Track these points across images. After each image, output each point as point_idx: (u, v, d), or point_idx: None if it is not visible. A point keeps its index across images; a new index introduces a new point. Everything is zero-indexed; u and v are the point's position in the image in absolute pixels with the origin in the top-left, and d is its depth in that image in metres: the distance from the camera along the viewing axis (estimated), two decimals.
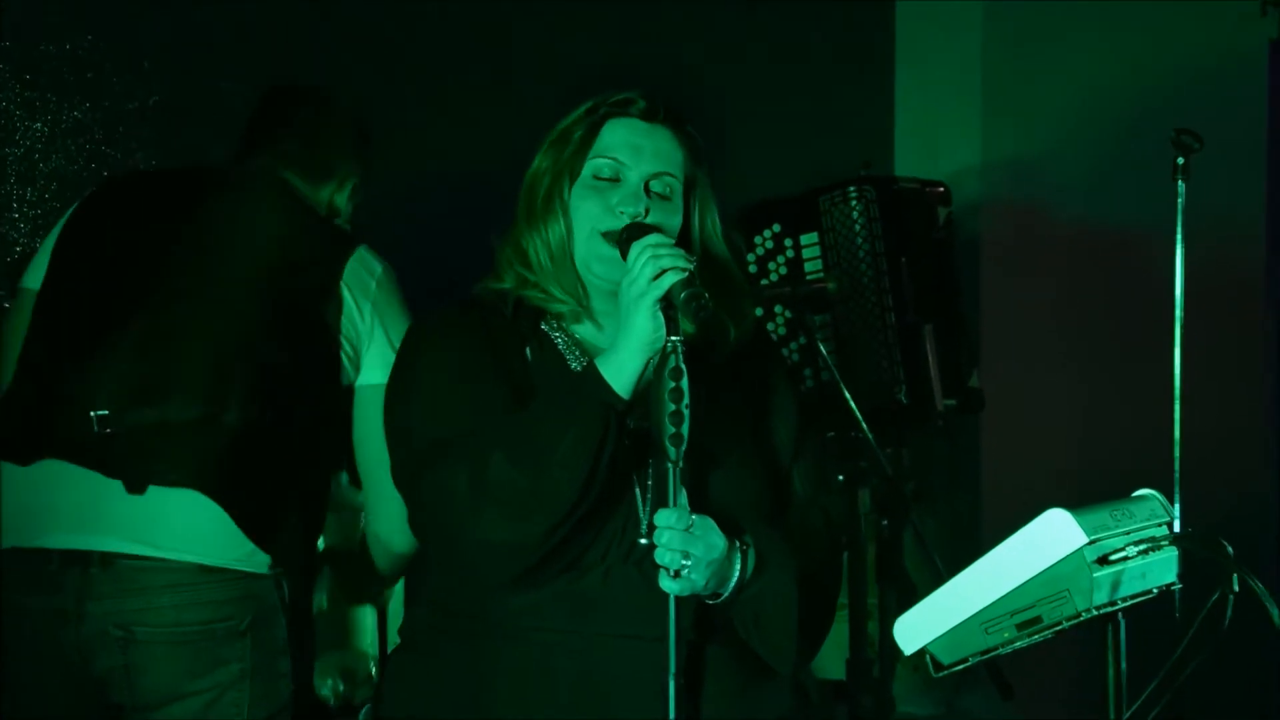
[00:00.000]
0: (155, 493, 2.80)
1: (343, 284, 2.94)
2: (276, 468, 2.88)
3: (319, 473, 2.99)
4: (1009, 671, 3.69)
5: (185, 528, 2.80)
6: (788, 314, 3.82)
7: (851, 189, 3.74)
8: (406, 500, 2.49)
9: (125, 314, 2.85)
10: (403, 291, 3.02)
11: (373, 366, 2.95)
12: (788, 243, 3.83)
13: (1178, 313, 3.55)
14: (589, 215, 2.54)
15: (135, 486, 2.80)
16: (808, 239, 3.80)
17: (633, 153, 2.55)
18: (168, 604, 2.79)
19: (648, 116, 2.57)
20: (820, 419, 3.75)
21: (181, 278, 2.87)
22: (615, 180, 2.55)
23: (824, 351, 3.64)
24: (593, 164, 2.56)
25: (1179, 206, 3.55)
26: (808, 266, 3.80)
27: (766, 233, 3.85)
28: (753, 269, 3.85)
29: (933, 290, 3.78)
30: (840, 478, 3.77)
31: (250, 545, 2.83)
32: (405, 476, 2.48)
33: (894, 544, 3.89)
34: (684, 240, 2.56)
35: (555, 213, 2.55)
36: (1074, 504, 2.35)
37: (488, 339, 2.53)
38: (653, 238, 2.43)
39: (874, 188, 3.74)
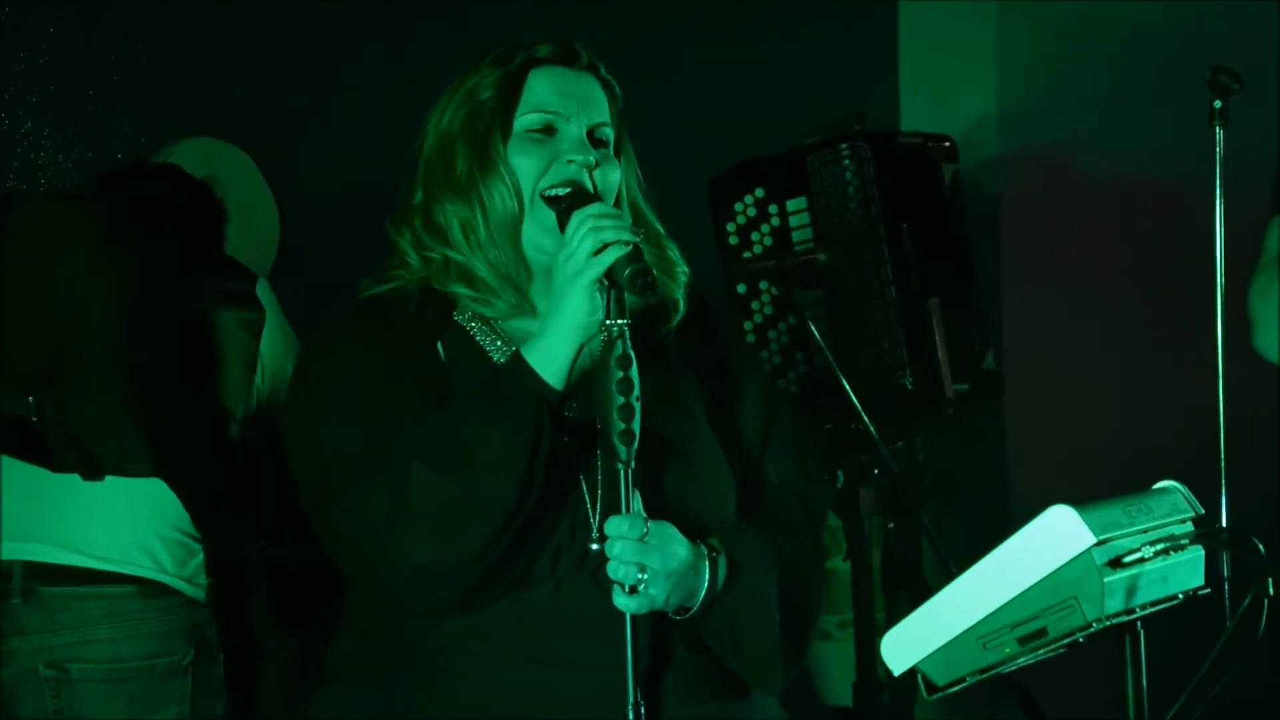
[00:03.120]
0: (93, 494, 2.85)
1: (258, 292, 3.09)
2: (228, 460, 2.96)
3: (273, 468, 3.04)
4: (1037, 688, 3.71)
5: (128, 534, 2.84)
6: (774, 290, 3.82)
7: (843, 146, 3.74)
8: (319, 531, 2.46)
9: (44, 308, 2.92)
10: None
11: None
12: (773, 209, 3.83)
13: (1219, 279, 3.55)
14: (528, 173, 2.52)
15: (92, 473, 2.84)
16: (795, 205, 3.81)
17: (568, 101, 2.53)
18: (106, 636, 2.83)
19: (570, 62, 2.57)
20: (814, 408, 3.77)
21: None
22: (550, 134, 2.54)
23: (816, 333, 3.65)
24: (522, 120, 2.54)
25: (1218, 156, 3.55)
26: (796, 236, 3.81)
27: (748, 198, 3.85)
28: (733, 240, 3.85)
29: (939, 259, 3.79)
30: (840, 473, 3.78)
31: (195, 561, 2.87)
32: (314, 504, 2.45)
33: (904, 549, 3.90)
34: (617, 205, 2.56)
35: (496, 170, 2.51)
36: (1115, 498, 2.36)
37: (391, 339, 2.51)
38: (594, 207, 2.42)
39: (869, 144, 3.74)
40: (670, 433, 2.49)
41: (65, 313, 2.92)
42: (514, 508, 2.34)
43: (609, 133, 2.57)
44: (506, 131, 2.53)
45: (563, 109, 2.54)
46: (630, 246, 2.36)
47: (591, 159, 2.52)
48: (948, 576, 3.57)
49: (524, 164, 2.52)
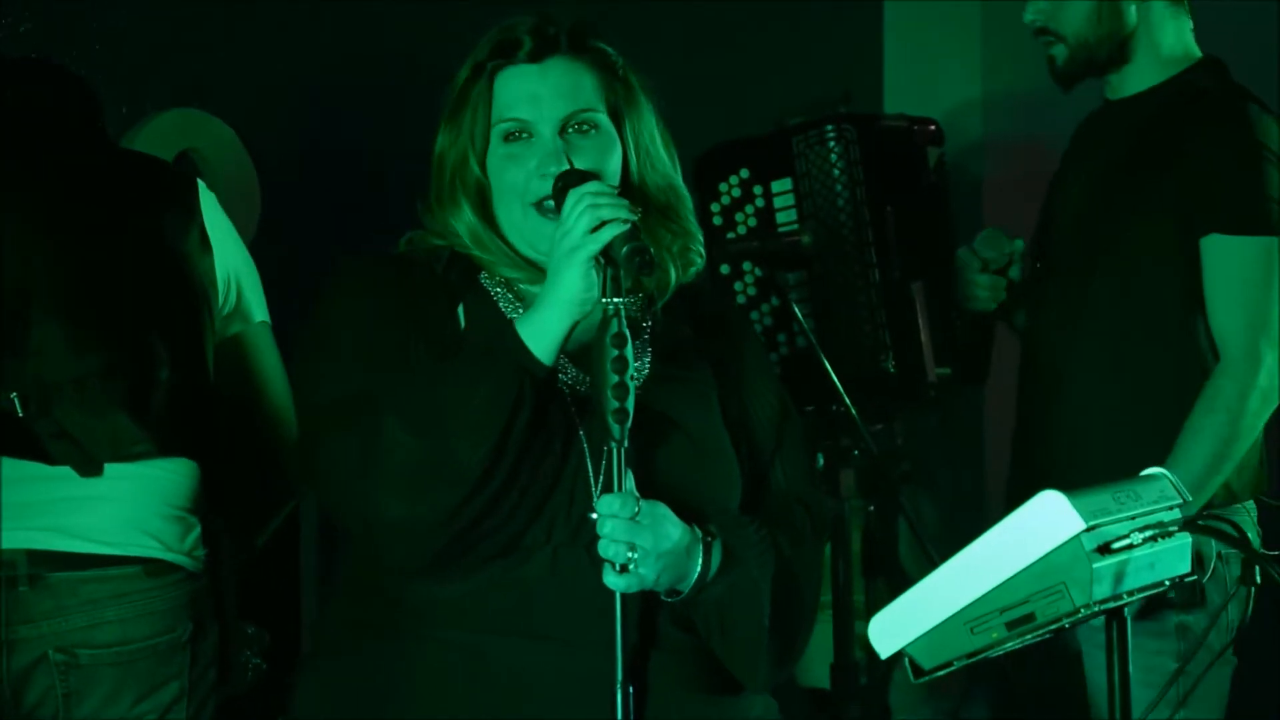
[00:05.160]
0: (91, 480, 2.83)
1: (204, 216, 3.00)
2: (217, 425, 2.96)
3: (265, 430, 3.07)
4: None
5: (128, 517, 2.84)
6: (758, 272, 3.85)
7: (829, 128, 3.76)
8: (305, 473, 2.55)
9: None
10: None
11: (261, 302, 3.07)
12: (757, 190, 3.85)
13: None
14: (513, 188, 2.56)
15: (87, 468, 2.83)
16: (780, 186, 3.83)
17: (533, 104, 2.56)
18: (114, 618, 2.83)
19: (537, 56, 2.58)
20: (796, 390, 3.79)
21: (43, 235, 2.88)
22: (528, 137, 2.56)
23: (799, 314, 3.67)
24: (497, 129, 2.57)
25: None
26: (780, 217, 3.83)
27: (733, 179, 3.88)
28: (717, 221, 3.87)
29: (924, 243, 3.82)
30: (819, 455, 3.81)
31: (193, 535, 2.88)
32: (303, 445, 2.52)
33: (883, 532, 3.94)
34: (624, 173, 2.60)
35: (459, 203, 2.58)
36: (1105, 485, 2.39)
37: (407, 296, 2.55)
38: (591, 185, 2.45)
39: (855, 126, 3.76)
40: (684, 420, 2.54)
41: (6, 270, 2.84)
42: (482, 475, 2.37)
43: (595, 117, 2.58)
44: (480, 149, 2.58)
45: (530, 115, 2.57)
46: (628, 225, 2.39)
47: (564, 167, 2.53)
48: (925, 560, 3.64)
49: (504, 180, 2.57)
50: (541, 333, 2.41)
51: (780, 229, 3.82)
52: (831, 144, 3.76)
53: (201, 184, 3.04)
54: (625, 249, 2.37)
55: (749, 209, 3.86)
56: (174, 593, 2.86)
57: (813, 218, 3.77)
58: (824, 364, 3.57)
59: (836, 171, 3.75)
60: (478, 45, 2.61)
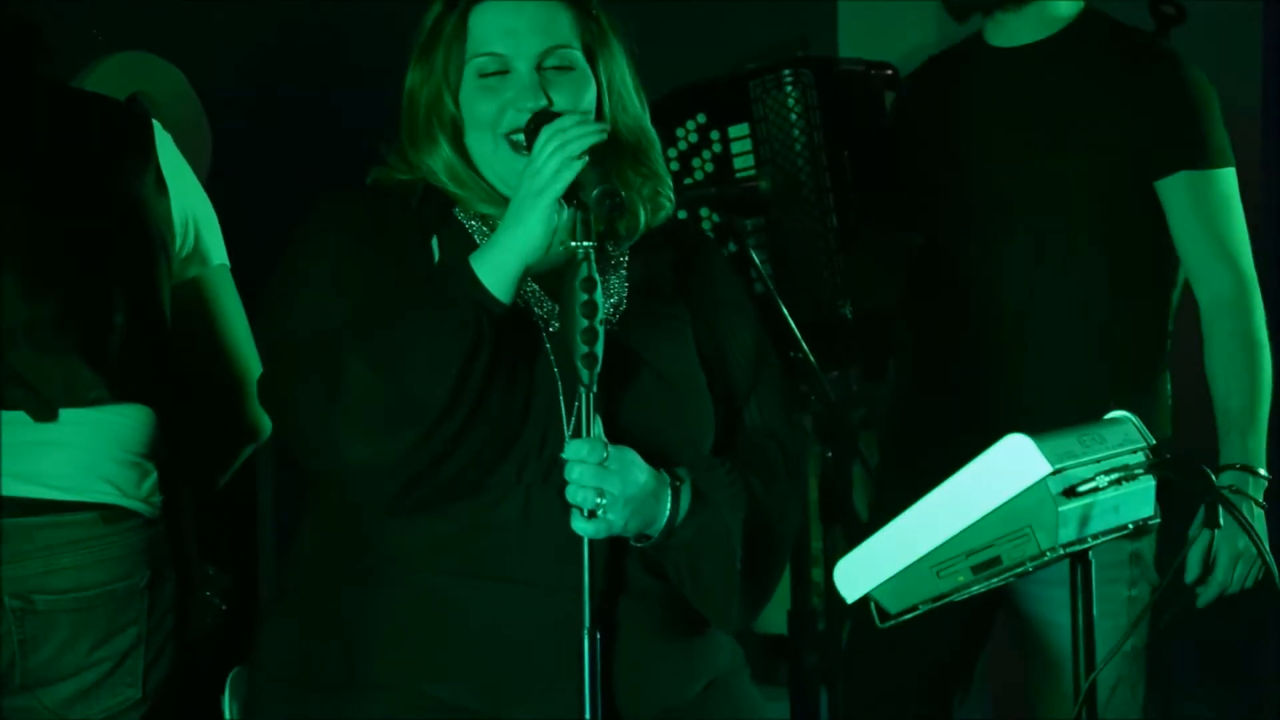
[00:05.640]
0: (44, 425, 2.80)
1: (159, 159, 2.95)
2: (174, 369, 2.93)
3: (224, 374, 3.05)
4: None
5: (84, 463, 2.82)
6: (715, 218, 3.84)
7: (786, 72, 3.76)
8: (269, 409, 2.54)
9: None
10: None
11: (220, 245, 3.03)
12: (714, 135, 3.85)
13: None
14: (486, 120, 2.56)
15: (42, 413, 2.80)
16: (737, 131, 3.82)
17: (510, 38, 2.55)
18: (71, 564, 2.80)
19: None
20: None
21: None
22: (504, 73, 2.56)
23: (757, 260, 3.66)
24: (472, 64, 2.56)
25: None
26: (737, 163, 3.82)
27: (690, 124, 3.87)
28: (674, 166, 3.86)
29: (880, 188, 3.83)
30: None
31: (149, 481, 2.87)
32: (265, 384, 2.53)
33: (840, 479, 3.95)
34: (598, 115, 2.59)
35: (435, 139, 2.57)
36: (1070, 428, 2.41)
37: (381, 232, 2.54)
38: (565, 119, 2.46)
39: (812, 71, 3.76)
40: (657, 357, 2.54)
41: None
42: (441, 413, 2.37)
43: (571, 54, 2.58)
44: (454, 84, 2.57)
45: (507, 49, 2.56)
46: (602, 136, 2.40)
47: (543, 101, 2.53)
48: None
49: (477, 112, 2.56)
50: (497, 270, 2.41)
51: (737, 174, 3.81)
52: (789, 88, 3.75)
53: (157, 124, 2.99)
54: (596, 191, 2.38)
55: (706, 154, 3.85)
56: (131, 539, 2.85)
57: (770, 163, 3.77)
58: (782, 310, 3.57)
59: (794, 116, 3.75)
60: None
